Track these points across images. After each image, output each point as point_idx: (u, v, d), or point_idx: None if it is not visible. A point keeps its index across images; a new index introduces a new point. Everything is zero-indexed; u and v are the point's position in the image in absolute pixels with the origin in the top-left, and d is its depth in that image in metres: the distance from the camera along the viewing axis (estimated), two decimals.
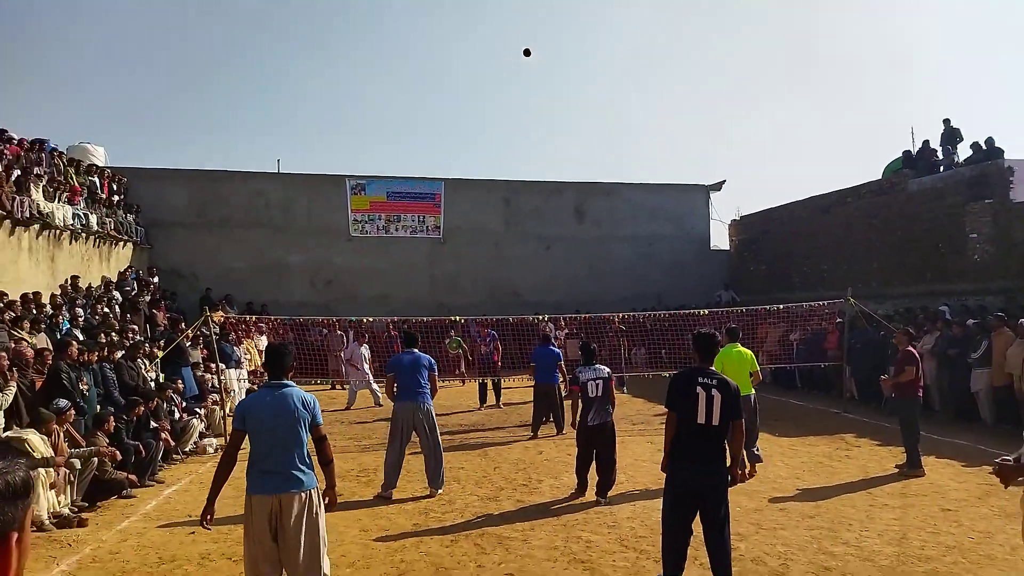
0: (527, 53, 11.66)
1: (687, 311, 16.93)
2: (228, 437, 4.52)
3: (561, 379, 11.56)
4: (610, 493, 7.63)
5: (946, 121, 17.73)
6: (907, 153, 19.01)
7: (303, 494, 4.27)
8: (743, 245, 26.27)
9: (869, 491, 7.76)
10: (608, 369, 7.97)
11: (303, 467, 4.34)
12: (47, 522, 6.63)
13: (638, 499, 7.61)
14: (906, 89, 63.81)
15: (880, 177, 19.86)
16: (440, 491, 8.01)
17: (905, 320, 14.77)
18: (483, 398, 14.59)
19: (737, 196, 63.73)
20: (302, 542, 4.21)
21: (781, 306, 15.59)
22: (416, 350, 8.29)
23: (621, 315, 17.38)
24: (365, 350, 15.48)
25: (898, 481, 8.20)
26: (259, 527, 4.25)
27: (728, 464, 4.98)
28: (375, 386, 15.04)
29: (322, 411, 4.60)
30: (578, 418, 8.17)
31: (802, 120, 67.01)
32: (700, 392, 4.87)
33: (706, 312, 16.91)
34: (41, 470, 6.53)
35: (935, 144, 18.04)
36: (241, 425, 4.41)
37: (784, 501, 7.43)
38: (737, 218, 26.88)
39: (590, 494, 7.70)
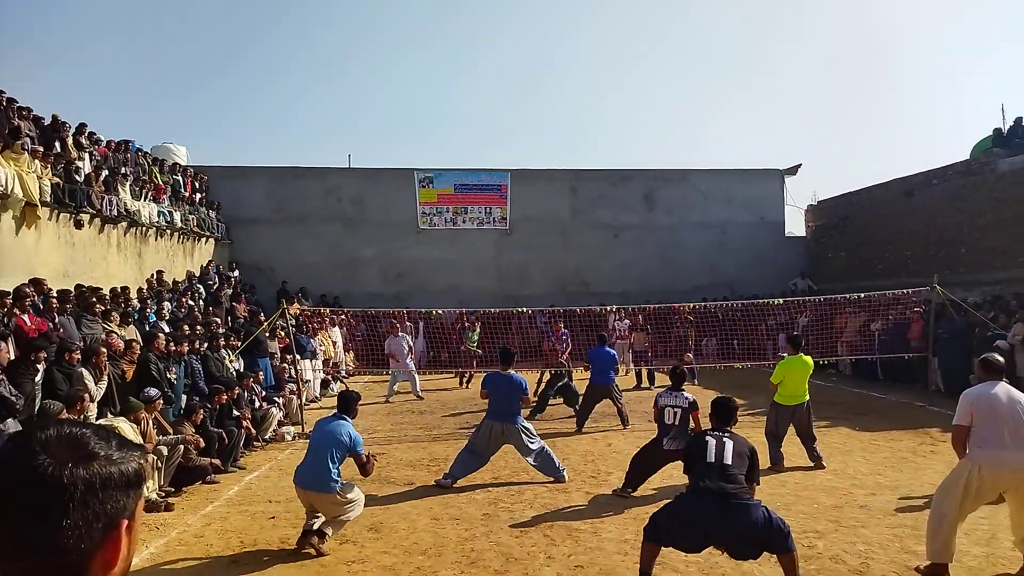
0: None
1: (759, 301, 16.47)
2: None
3: (616, 377, 11.64)
4: (679, 490, 7.50)
5: None
6: (997, 131, 18.01)
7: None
8: (820, 231, 25.40)
9: None
10: (692, 397, 7.49)
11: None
12: None
13: None
14: (996, 62, 60.30)
15: (968, 157, 18.87)
16: (563, 481, 8.10)
17: (995, 308, 14.03)
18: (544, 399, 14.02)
19: (814, 180, 61.74)
20: None
21: (862, 295, 15.00)
22: (512, 371, 8.38)
23: (692, 305, 17.06)
24: (405, 341, 15.54)
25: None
26: None
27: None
28: (416, 376, 15.24)
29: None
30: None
31: (883, 98, 64.20)
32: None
33: (780, 302, 16.43)
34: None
35: None
36: None
37: (865, 498, 7.17)
38: (814, 203, 26.01)
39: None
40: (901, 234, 20.36)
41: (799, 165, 26.10)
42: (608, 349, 11.81)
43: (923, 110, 61.00)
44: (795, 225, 26.56)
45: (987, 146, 18.18)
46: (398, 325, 16.28)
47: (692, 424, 7.34)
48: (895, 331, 15.31)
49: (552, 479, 8.14)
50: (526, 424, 8.35)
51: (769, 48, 67.39)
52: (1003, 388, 5.12)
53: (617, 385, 11.70)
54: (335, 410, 6.50)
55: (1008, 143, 17.34)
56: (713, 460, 4.87)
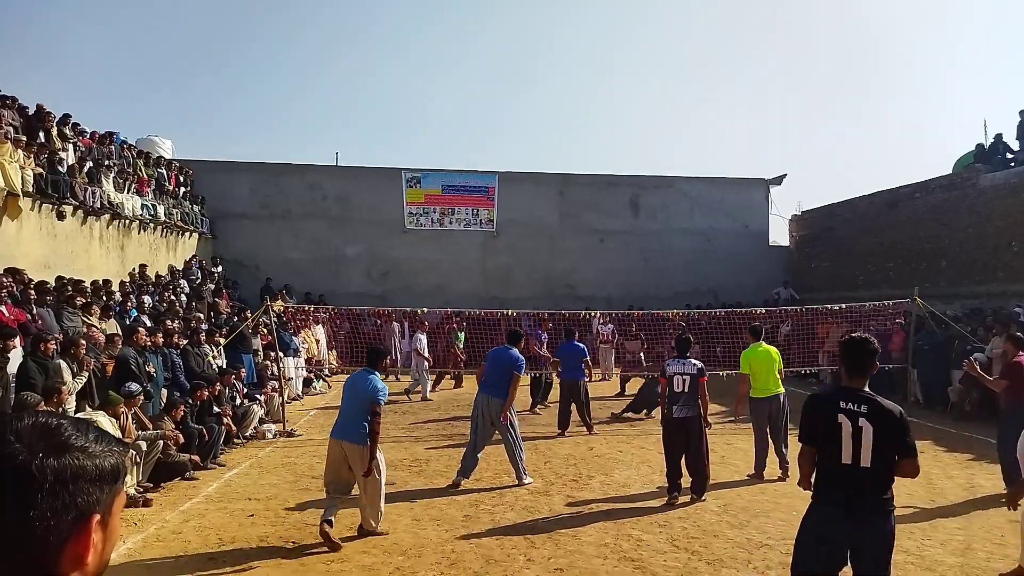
0: None
1: (743, 309, 16.59)
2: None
3: (587, 375, 11.55)
4: (660, 496, 7.55)
5: (1022, 112, 16.90)
6: (979, 146, 18.24)
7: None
8: (804, 241, 25.61)
9: (932, 499, 7.50)
10: (700, 364, 7.59)
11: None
12: None
13: (690, 501, 7.50)
14: (979, 78, 61.13)
15: (951, 172, 19.11)
16: (525, 484, 8.07)
17: (974, 322, 14.21)
18: (536, 397, 13.98)
19: (798, 191, 62.11)
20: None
21: (843, 305, 15.13)
22: (512, 348, 8.33)
23: (679, 312, 17.14)
24: (424, 337, 15.53)
25: (962, 490, 7.90)
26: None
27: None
28: (427, 376, 15.28)
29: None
30: (664, 411, 7.79)
31: (867, 112, 64.89)
32: (844, 421, 3.69)
33: (763, 310, 16.56)
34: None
35: (1010, 137, 17.25)
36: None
37: None
38: (798, 213, 26.21)
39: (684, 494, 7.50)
40: (883, 246, 20.57)
41: (784, 175, 26.33)
42: (577, 343, 11.81)
43: (907, 124, 61.74)
44: (779, 234, 26.82)
45: (969, 161, 18.42)
46: (426, 323, 16.25)
47: (701, 390, 7.47)
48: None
49: (515, 479, 8.14)
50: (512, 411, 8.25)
51: (758, 60, 67.95)
52: None
53: (586, 384, 11.57)
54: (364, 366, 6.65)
55: (990, 159, 17.58)
56: (850, 460, 3.70)
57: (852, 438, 3.64)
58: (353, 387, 6.38)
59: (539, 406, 13.58)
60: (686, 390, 7.39)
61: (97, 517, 1.07)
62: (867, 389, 3.81)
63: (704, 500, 7.38)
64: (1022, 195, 15.78)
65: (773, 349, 8.78)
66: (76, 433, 1.08)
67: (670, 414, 7.47)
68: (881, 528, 3.69)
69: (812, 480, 3.84)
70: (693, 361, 7.58)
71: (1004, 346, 8.03)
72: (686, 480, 7.51)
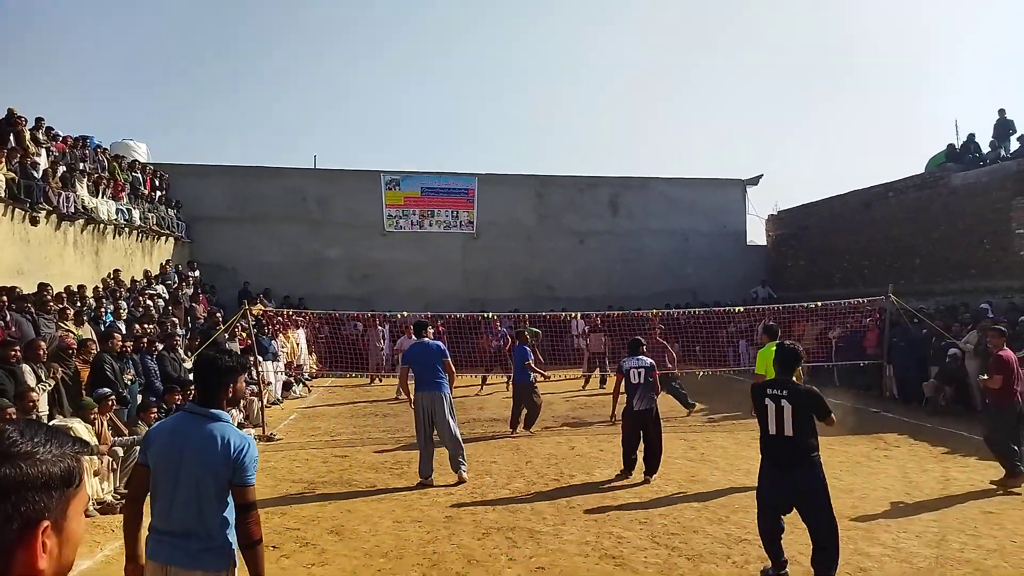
0: None
1: (722, 308, 16.73)
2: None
3: (534, 377, 11.40)
4: (640, 494, 7.61)
5: (1001, 111, 17.16)
6: (951, 146, 18.54)
7: None
8: (781, 240, 25.88)
9: (908, 492, 7.60)
10: (651, 360, 8.58)
11: (212, 537, 3.05)
12: (91, 509, 6.82)
13: (671, 497, 7.56)
14: (951, 80, 62.15)
15: (923, 171, 19.41)
16: (462, 478, 8.12)
17: (946, 317, 14.44)
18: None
19: (775, 191, 62.59)
20: None
21: (819, 303, 15.31)
22: (427, 338, 8.46)
23: (657, 312, 17.22)
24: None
25: (937, 483, 8.02)
26: None
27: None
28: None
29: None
30: (621, 406, 8.66)
31: (842, 112, 65.70)
32: (769, 404, 5.22)
33: (741, 309, 16.71)
34: (85, 457, 6.73)
35: (985, 135, 17.57)
36: (144, 459, 3.18)
37: None
38: (775, 213, 26.50)
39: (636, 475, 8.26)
40: (858, 244, 20.85)
41: (761, 175, 26.64)
42: (526, 347, 11.81)
43: (881, 125, 62.58)
44: (756, 234, 27.10)
45: (941, 160, 18.71)
46: (411, 328, 16.15)
47: (655, 382, 8.47)
48: (852, 338, 15.66)
49: (457, 477, 8.15)
50: (451, 398, 8.31)
51: (734, 61, 68.57)
52: None
53: (536, 386, 11.45)
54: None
55: (961, 158, 17.88)
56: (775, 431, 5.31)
57: (776, 415, 5.16)
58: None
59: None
60: (642, 382, 8.27)
61: (46, 523, 1.06)
62: (793, 379, 5.39)
63: (655, 478, 8.15)
64: (993, 194, 16.07)
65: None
66: (21, 440, 1.07)
67: (630, 407, 8.28)
68: (805, 477, 5.10)
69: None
70: (645, 358, 8.52)
71: (992, 339, 8.23)
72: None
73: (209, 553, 3.00)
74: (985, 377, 8.04)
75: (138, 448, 7.75)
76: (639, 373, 8.28)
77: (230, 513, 3.06)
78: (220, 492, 3.03)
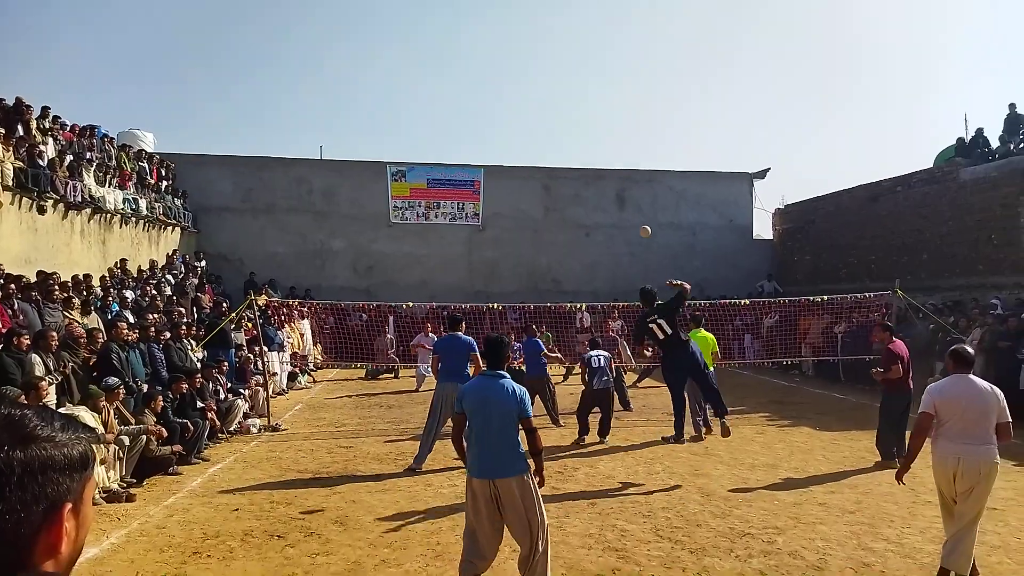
0: None
1: (726, 300, 16.68)
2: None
3: (549, 365, 11.74)
4: (644, 487, 7.62)
5: (1011, 106, 16.97)
6: (960, 140, 18.41)
7: (515, 480, 4.57)
8: (787, 235, 25.79)
9: (912, 488, 7.58)
10: (607, 353, 10.65)
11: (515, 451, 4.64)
12: (97, 496, 6.87)
13: (674, 490, 7.57)
14: (961, 74, 61.72)
15: (932, 166, 19.30)
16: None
17: (954, 313, 14.38)
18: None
19: (782, 185, 62.42)
20: (526, 521, 4.57)
21: (824, 298, 15.26)
22: (459, 333, 8.65)
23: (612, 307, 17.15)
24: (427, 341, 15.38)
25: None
26: (482, 506, 4.60)
27: None
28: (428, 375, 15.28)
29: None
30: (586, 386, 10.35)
31: (850, 106, 65.37)
32: None
33: (747, 302, 16.67)
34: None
35: (995, 130, 17.43)
36: (460, 408, 4.80)
37: (824, 495, 7.32)
38: (782, 207, 26.38)
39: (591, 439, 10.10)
40: (865, 239, 20.76)
41: (768, 169, 26.47)
42: (537, 340, 11.83)
43: (889, 119, 62.25)
44: (763, 228, 26.98)
45: (950, 155, 18.59)
46: (429, 325, 16.20)
47: (610, 366, 10.54)
48: (857, 333, 15.61)
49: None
50: None
51: (742, 54, 68.22)
52: (967, 381, 5.10)
53: (550, 379, 11.55)
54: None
55: (970, 153, 17.76)
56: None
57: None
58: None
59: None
60: (603, 365, 10.20)
61: (69, 506, 1.07)
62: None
63: (607, 441, 9.96)
64: (1002, 189, 15.97)
65: (709, 335, 10.72)
66: (41, 423, 1.08)
67: (590, 387, 10.11)
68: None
69: None
70: (602, 351, 10.52)
71: (878, 335, 9.16)
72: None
73: (520, 461, 4.62)
74: (880, 370, 8.65)
75: (143, 438, 7.83)
76: (599, 359, 10.22)
77: (518, 436, 4.67)
78: (514, 423, 4.65)
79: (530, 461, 4.67)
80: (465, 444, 4.87)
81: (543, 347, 11.74)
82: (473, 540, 4.65)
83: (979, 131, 17.81)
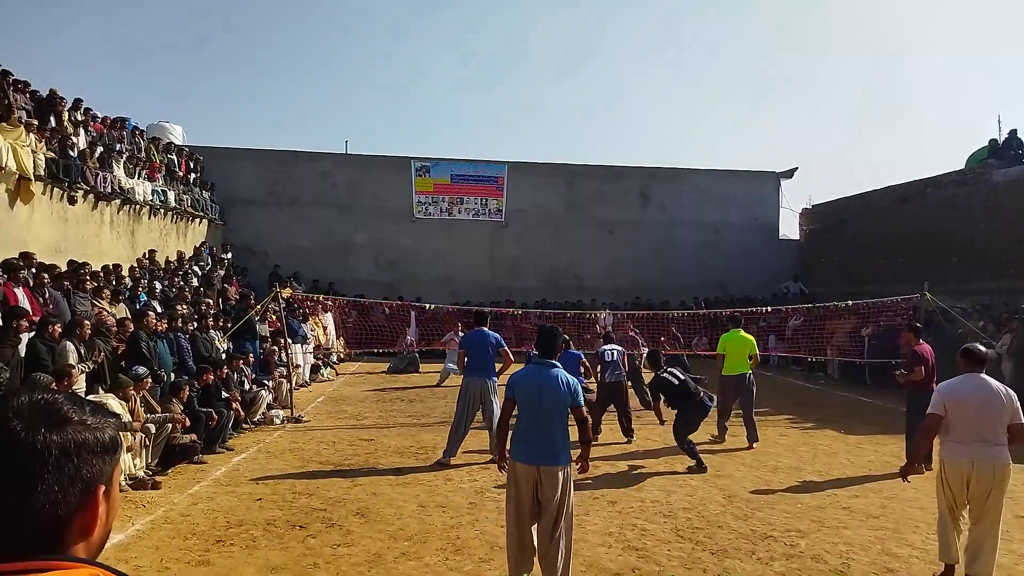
0: None
1: (749, 308, 16.52)
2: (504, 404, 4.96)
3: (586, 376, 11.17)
4: (667, 484, 7.57)
5: None
6: (993, 142, 18.08)
7: (560, 469, 4.71)
8: (814, 235, 25.49)
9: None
10: (620, 348, 10.81)
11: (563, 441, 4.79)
12: (123, 483, 6.98)
13: (696, 490, 7.53)
14: (994, 73, 60.56)
15: (963, 167, 18.97)
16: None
17: (984, 317, 14.12)
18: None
19: (809, 184, 61.79)
20: (556, 508, 4.69)
21: (849, 302, 15.06)
22: (486, 328, 8.90)
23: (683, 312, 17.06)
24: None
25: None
26: (523, 491, 4.71)
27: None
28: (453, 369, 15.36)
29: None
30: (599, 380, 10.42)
31: (881, 106, 64.41)
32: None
33: (769, 310, 16.57)
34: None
35: None
36: (511, 395, 4.91)
37: (848, 499, 7.24)
38: (809, 207, 26.07)
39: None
40: (893, 241, 20.44)
41: (795, 168, 26.16)
42: (571, 351, 11.59)
43: (920, 119, 61.26)
44: (789, 228, 26.67)
45: (982, 156, 18.27)
46: (459, 324, 16.23)
47: (623, 360, 10.55)
48: (885, 337, 15.39)
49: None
50: (497, 385, 8.58)
51: (772, 54, 67.50)
52: (979, 380, 5.05)
53: (625, 387, 11.51)
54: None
55: (1003, 154, 17.44)
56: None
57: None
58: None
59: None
60: (616, 359, 10.28)
61: (103, 488, 1.10)
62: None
63: (633, 439, 9.94)
64: None
65: (748, 336, 10.37)
66: (73, 407, 1.11)
67: (603, 380, 10.17)
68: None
69: None
70: (617, 347, 10.69)
71: (906, 337, 9.21)
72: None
73: (566, 451, 4.75)
74: (903, 372, 8.55)
75: (169, 426, 7.94)
76: (612, 353, 10.36)
77: (567, 426, 4.78)
78: (564, 413, 4.76)
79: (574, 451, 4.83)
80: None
81: (582, 356, 11.45)
82: (520, 533, 4.71)
83: (1012, 132, 17.49)
